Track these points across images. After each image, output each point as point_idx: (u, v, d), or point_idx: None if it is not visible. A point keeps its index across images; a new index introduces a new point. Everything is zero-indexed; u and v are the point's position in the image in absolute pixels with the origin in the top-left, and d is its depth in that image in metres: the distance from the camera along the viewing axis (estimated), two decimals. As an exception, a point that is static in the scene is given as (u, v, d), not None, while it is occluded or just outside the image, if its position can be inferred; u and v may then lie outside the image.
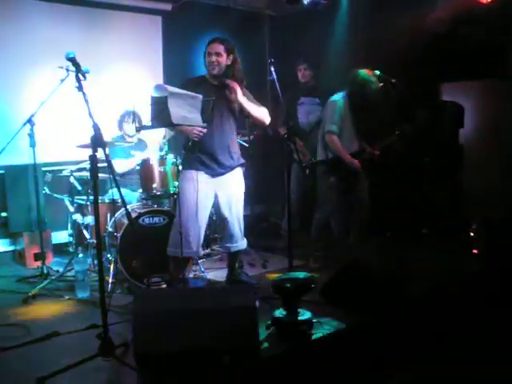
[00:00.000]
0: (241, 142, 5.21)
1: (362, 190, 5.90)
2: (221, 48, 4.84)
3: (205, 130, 4.74)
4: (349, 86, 5.81)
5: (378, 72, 5.74)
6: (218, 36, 5.02)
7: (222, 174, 4.96)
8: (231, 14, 8.07)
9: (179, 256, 4.80)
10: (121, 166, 5.98)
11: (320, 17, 7.32)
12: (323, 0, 7.15)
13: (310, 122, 6.54)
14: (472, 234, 6.01)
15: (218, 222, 5.34)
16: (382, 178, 6.63)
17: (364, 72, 5.70)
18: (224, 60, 4.85)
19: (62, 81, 5.14)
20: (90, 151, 3.48)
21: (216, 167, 4.92)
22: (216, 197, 4.99)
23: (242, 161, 5.12)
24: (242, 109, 4.96)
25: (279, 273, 5.45)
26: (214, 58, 4.83)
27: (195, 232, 4.86)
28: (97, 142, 3.44)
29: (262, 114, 5.03)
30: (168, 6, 7.89)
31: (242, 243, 5.16)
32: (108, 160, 3.45)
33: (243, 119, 5.33)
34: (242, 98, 4.87)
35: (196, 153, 4.93)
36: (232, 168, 5.01)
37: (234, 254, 5.21)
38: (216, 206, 5.07)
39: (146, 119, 4.64)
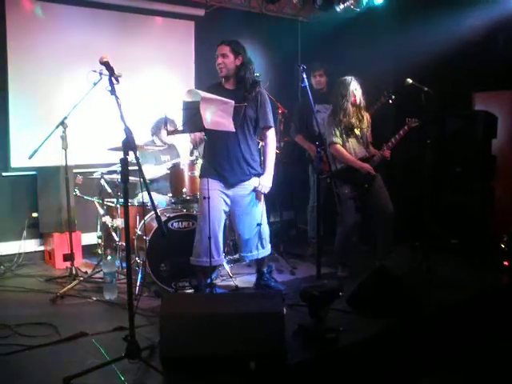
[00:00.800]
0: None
1: (382, 196, 5.79)
2: (227, 49, 4.85)
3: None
4: (332, 95, 5.90)
5: (409, 80, 5.70)
6: (226, 38, 5.01)
7: (236, 184, 4.94)
8: (263, 20, 8.08)
9: (202, 265, 4.85)
10: (150, 171, 6.00)
11: (352, 24, 7.29)
12: (356, 7, 7.12)
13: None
14: (503, 246, 5.93)
15: (233, 230, 5.31)
16: (410, 185, 6.57)
17: (346, 80, 5.71)
18: (231, 61, 4.84)
19: (95, 84, 5.20)
20: (120, 154, 3.49)
21: (229, 176, 4.90)
22: (229, 206, 4.98)
23: (259, 171, 5.06)
24: (257, 117, 4.95)
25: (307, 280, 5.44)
26: (220, 60, 4.86)
27: (217, 240, 4.86)
28: (128, 145, 3.46)
29: (273, 146, 5.05)
30: (201, 12, 7.93)
31: (260, 252, 5.10)
32: (138, 163, 3.46)
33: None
34: (268, 182, 4.96)
35: (210, 161, 4.94)
36: (246, 179, 4.97)
37: (260, 260, 5.19)
38: (230, 216, 5.05)
39: (178, 124, 4.65)
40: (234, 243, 5.74)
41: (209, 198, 4.77)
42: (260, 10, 8.12)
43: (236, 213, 4.99)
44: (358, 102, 5.67)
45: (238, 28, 7.77)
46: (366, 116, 5.84)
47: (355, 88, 5.67)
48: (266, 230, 5.10)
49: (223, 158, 4.88)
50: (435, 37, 6.29)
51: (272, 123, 5.02)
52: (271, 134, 5.01)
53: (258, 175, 5.01)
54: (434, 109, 5.62)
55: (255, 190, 4.88)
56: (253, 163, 4.98)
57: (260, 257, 5.11)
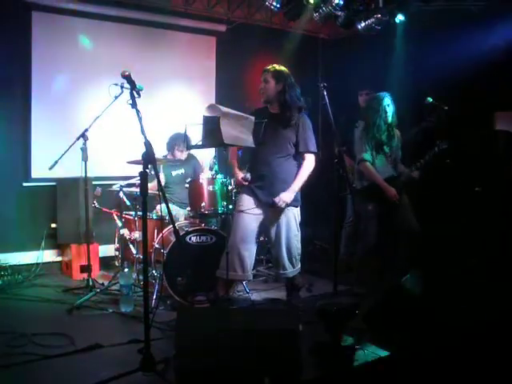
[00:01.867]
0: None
1: (406, 215, 5.74)
2: (268, 75, 4.92)
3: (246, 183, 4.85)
4: (365, 111, 5.86)
5: (430, 99, 5.68)
6: (271, 65, 5.04)
7: (270, 203, 4.92)
8: (284, 37, 8.11)
9: (228, 279, 4.80)
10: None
11: (373, 42, 7.29)
12: (377, 25, 7.13)
13: None
14: None
15: (267, 247, 5.31)
16: (431, 205, 6.52)
17: (379, 96, 5.68)
18: (272, 86, 4.90)
19: (116, 97, 5.22)
20: (140, 167, 3.51)
21: (263, 195, 4.92)
22: (263, 224, 4.98)
23: (299, 202, 5.08)
24: (297, 141, 4.97)
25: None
26: (261, 86, 4.94)
27: (243, 256, 4.86)
28: (148, 158, 3.48)
29: (309, 169, 5.03)
30: (222, 27, 7.99)
31: (291, 270, 5.09)
32: (158, 177, 3.48)
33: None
34: (288, 197, 4.90)
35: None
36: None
37: (291, 278, 5.17)
38: (265, 233, 5.06)
39: (197, 140, 4.67)
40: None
41: (239, 215, 4.87)
42: (281, 26, 8.16)
43: (269, 231, 5.01)
44: (389, 119, 5.63)
45: (259, 44, 7.83)
46: (397, 134, 5.80)
47: (388, 104, 5.64)
48: (298, 249, 5.10)
49: (259, 176, 4.92)
50: (456, 55, 6.27)
51: (313, 149, 5.04)
52: (310, 159, 5.03)
53: (296, 206, 5.04)
54: (454, 128, 5.60)
55: (273, 203, 4.86)
56: (288, 186, 4.97)
57: (290, 275, 5.11)
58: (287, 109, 4.92)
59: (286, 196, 4.87)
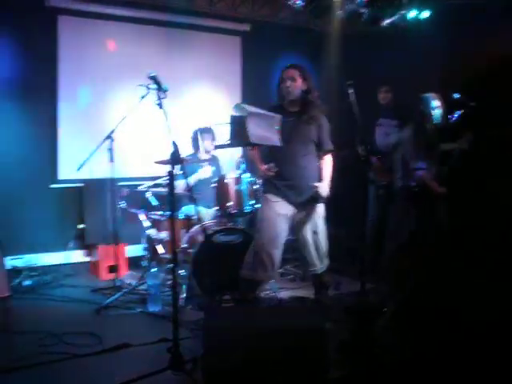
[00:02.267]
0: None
1: (440, 215, 5.70)
2: (296, 73, 4.84)
3: (272, 172, 4.79)
4: (413, 113, 5.75)
5: (456, 95, 5.62)
6: (293, 62, 5.02)
7: (297, 202, 4.92)
8: (309, 35, 8.10)
9: (254, 279, 4.80)
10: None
11: (398, 38, 7.24)
12: (402, 22, 7.08)
13: (388, 144, 6.46)
14: None
15: (295, 245, 5.28)
16: (461, 203, 6.44)
17: (428, 98, 5.60)
18: (299, 85, 4.83)
19: (142, 98, 5.25)
20: (166, 167, 3.53)
21: (290, 194, 4.89)
22: (290, 223, 4.97)
23: (324, 198, 5.04)
24: (319, 138, 4.96)
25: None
26: (288, 83, 4.82)
27: (271, 256, 4.84)
28: (175, 158, 3.49)
29: (331, 165, 5.03)
30: (247, 27, 8.00)
31: (320, 267, 5.06)
32: (186, 177, 3.50)
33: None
34: (326, 187, 4.89)
35: (271, 178, 4.96)
36: (310, 202, 4.94)
37: (319, 275, 5.16)
38: (293, 232, 5.05)
39: (222, 138, 4.68)
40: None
41: (265, 214, 4.84)
42: (306, 24, 8.14)
43: (297, 229, 4.99)
44: (438, 120, 5.57)
45: (283, 43, 7.82)
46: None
47: (437, 107, 5.57)
48: (325, 245, 5.08)
49: (286, 175, 4.89)
50: (483, 51, 6.20)
51: (332, 147, 5.04)
52: (330, 157, 5.04)
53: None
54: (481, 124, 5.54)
55: (315, 193, 4.84)
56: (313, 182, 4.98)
57: (319, 272, 5.09)
58: (310, 108, 4.90)
59: (324, 186, 4.86)
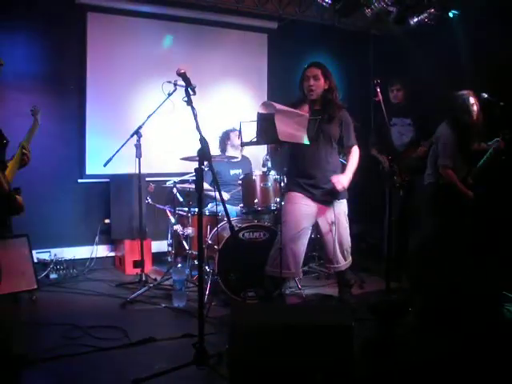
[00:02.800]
0: (342, 160, 5.15)
1: (468, 214, 5.63)
2: (318, 72, 4.84)
3: None
4: (450, 111, 5.66)
5: (484, 94, 5.57)
6: (316, 61, 5.02)
7: (319, 199, 4.91)
8: (336, 34, 8.09)
9: (277, 276, 4.80)
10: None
11: (426, 37, 7.19)
12: (430, 21, 7.04)
13: (403, 143, 6.42)
14: None
15: (318, 242, 5.28)
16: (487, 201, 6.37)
17: (464, 95, 5.54)
18: (322, 84, 4.84)
19: (170, 95, 5.30)
20: (193, 164, 3.54)
21: (315, 192, 4.90)
22: (317, 220, 4.97)
23: (346, 194, 5.05)
24: (342, 135, 4.95)
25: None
26: (311, 82, 4.83)
27: (295, 253, 4.84)
28: (203, 155, 3.50)
29: (356, 160, 5.01)
30: (274, 25, 8.00)
31: (343, 264, 5.05)
32: (213, 173, 3.51)
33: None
34: (346, 180, 4.86)
35: (293, 175, 4.98)
36: (334, 199, 4.93)
37: (343, 272, 5.15)
38: (317, 229, 5.05)
39: (249, 136, 4.68)
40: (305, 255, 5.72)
41: (289, 211, 4.85)
42: (333, 22, 8.12)
43: (320, 226, 4.99)
44: (475, 119, 5.50)
45: (310, 41, 7.82)
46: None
47: (473, 104, 5.49)
48: (348, 242, 5.08)
49: (307, 173, 4.90)
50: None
51: (356, 142, 5.05)
52: (357, 150, 5.04)
53: (340, 198, 4.99)
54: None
55: (332, 183, 4.83)
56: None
57: (343, 268, 5.09)
58: (332, 106, 4.90)
59: (344, 179, 4.84)
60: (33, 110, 5.23)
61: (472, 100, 5.46)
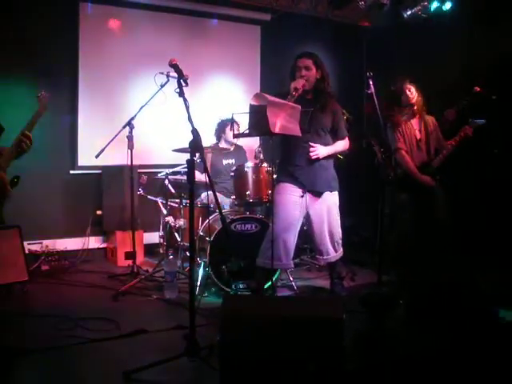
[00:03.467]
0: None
1: (439, 207, 5.63)
2: (310, 62, 4.86)
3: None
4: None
5: (477, 88, 5.58)
6: (307, 51, 5.03)
7: (311, 190, 4.94)
8: (329, 26, 8.08)
9: (269, 267, 4.79)
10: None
11: (418, 30, 7.19)
12: (423, 13, 7.03)
13: None
14: None
15: (308, 234, 5.28)
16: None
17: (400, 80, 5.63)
18: (313, 74, 4.86)
19: (162, 86, 5.29)
20: (185, 155, 3.53)
21: (304, 182, 4.91)
22: (308, 211, 4.98)
23: (334, 185, 5.07)
24: (333, 123, 4.96)
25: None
26: (303, 72, 4.84)
27: (286, 244, 4.85)
28: (195, 146, 3.49)
29: (344, 147, 5.07)
30: (267, 17, 7.97)
31: (333, 255, 5.08)
32: (205, 165, 3.51)
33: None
34: (324, 152, 4.90)
35: (285, 166, 4.98)
36: (324, 190, 4.97)
37: (333, 263, 5.17)
38: (307, 220, 5.06)
39: (244, 127, 4.68)
40: (296, 247, 5.73)
41: (280, 202, 4.86)
42: (326, 15, 8.11)
43: (311, 217, 5.00)
44: (413, 102, 5.59)
45: (303, 33, 7.81)
46: (430, 120, 5.73)
47: (408, 89, 5.59)
48: (339, 233, 5.09)
49: (299, 163, 4.92)
50: (507, 43, 6.13)
51: (347, 133, 5.13)
52: (347, 140, 5.13)
53: (332, 189, 5.03)
54: (502, 119, 5.49)
55: (310, 149, 4.86)
56: (328, 171, 5.02)
57: (333, 260, 5.10)
58: (324, 96, 4.90)
59: (322, 149, 4.87)
60: (39, 95, 5.13)
61: (407, 86, 5.60)
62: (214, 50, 7.68)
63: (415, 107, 5.64)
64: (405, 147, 5.60)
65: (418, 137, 5.67)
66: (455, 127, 5.65)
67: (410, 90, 5.60)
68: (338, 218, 5.07)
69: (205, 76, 7.52)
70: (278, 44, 7.99)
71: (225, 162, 6.55)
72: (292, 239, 4.90)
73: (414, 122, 5.68)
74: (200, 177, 5.18)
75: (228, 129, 6.44)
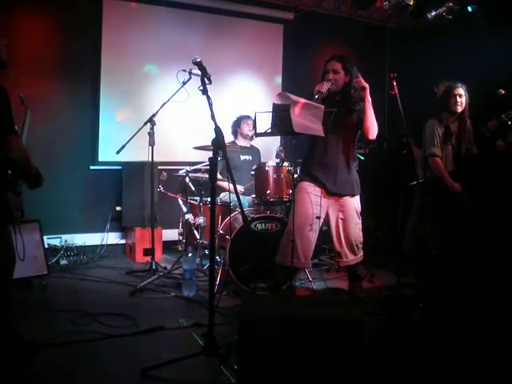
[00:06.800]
0: (357, 154, 5.13)
1: (465, 212, 5.57)
2: (338, 66, 4.83)
3: None
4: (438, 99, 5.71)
5: (502, 91, 5.52)
6: (337, 54, 4.99)
7: (337, 194, 4.91)
8: (352, 26, 8.04)
9: (287, 265, 4.78)
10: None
11: (443, 31, 7.13)
12: (448, 14, 6.97)
13: None
14: None
15: (328, 235, 5.26)
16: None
17: (456, 84, 5.54)
18: (342, 77, 4.83)
19: (184, 83, 5.28)
20: (205, 153, 3.53)
21: (329, 184, 4.88)
22: (328, 213, 4.96)
23: (359, 190, 5.03)
24: (358, 121, 4.91)
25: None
26: (331, 76, 4.82)
27: (304, 243, 4.83)
28: (218, 144, 3.48)
29: (375, 125, 4.94)
30: (290, 15, 7.94)
31: (352, 258, 5.04)
32: (228, 163, 3.49)
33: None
34: (369, 97, 4.79)
35: (307, 166, 4.96)
36: (344, 193, 4.93)
37: (351, 266, 5.14)
38: (327, 221, 5.03)
39: (263, 126, 4.65)
40: (315, 247, 5.71)
41: (300, 201, 4.82)
42: (349, 15, 8.08)
43: (330, 219, 4.98)
44: (459, 108, 5.52)
45: (326, 33, 7.79)
46: (468, 125, 5.67)
47: (460, 94, 5.51)
48: (360, 237, 5.06)
49: (321, 164, 4.90)
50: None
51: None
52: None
53: (353, 193, 4.98)
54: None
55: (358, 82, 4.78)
56: (349, 174, 4.96)
57: (352, 263, 5.07)
58: (350, 99, 4.87)
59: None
60: (21, 96, 4.58)
61: (458, 90, 5.50)
62: (237, 48, 7.67)
63: (460, 113, 5.58)
64: (440, 154, 5.53)
65: (454, 142, 5.60)
66: (495, 137, 5.62)
67: (460, 96, 5.52)
68: (359, 221, 5.03)
69: (227, 74, 7.50)
70: (300, 43, 7.96)
71: (242, 157, 6.56)
72: (310, 238, 4.86)
73: (454, 127, 5.61)
74: (219, 175, 5.17)
75: (244, 123, 6.44)
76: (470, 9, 6.81)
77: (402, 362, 3.83)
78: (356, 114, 4.88)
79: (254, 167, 5.65)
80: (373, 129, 4.84)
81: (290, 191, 5.37)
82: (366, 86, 4.73)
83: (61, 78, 6.58)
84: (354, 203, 4.99)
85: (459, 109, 5.50)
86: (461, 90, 5.49)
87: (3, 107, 3.22)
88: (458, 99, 5.48)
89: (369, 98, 4.75)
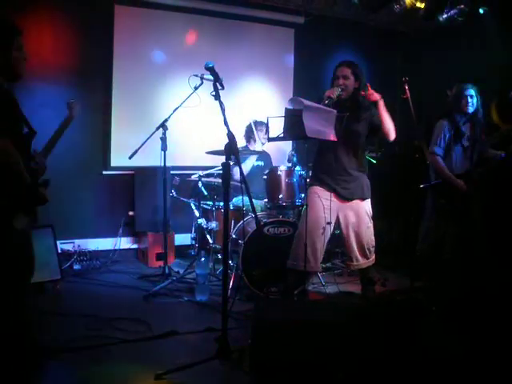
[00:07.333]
0: (369, 158, 5.12)
1: (474, 217, 5.53)
2: (348, 71, 4.83)
3: None
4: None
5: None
6: (346, 59, 5.00)
7: (347, 198, 4.91)
8: (363, 29, 8.03)
9: (298, 269, 4.78)
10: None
11: (455, 34, 7.10)
12: (460, 17, 6.94)
13: None
14: None
15: (340, 239, 5.26)
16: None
17: (466, 86, 5.50)
18: (351, 83, 4.82)
19: (196, 88, 5.28)
20: (218, 158, 3.53)
21: (339, 188, 4.89)
22: (338, 216, 4.96)
23: (369, 193, 5.03)
24: (372, 126, 4.90)
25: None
26: (341, 81, 4.82)
27: (316, 247, 4.83)
28: (231, 149, 3.49)
29: (392, 127, 4.93)
30: (301, 19, 7.94)
31: (363, 262, 5.03)
32: (240, 168, 3.50)
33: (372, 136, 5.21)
34: (381, 102, 4.81)
35: (318, 170, 4.97)
36: (354, 197, 4.93)
37: (364, 270, 5.13)
38: (338, 226, 5.03)
39: (275, 131, 4.66)
40: (327, 251, 5.70)
41: (311, 205, 4.82)
42: (360, 18, 8.06)
43: (341, 223, 4.98)
44: (470, 109, 5.48)
45: (337, 37, 7.79)
46: (482, 127, 5.60)
47: (471, 95, 5.48)
48: (371, 241, 5.06)
49: (331, 169, 4.90)
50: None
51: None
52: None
53: (363, 197, 4.98)
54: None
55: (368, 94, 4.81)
56: (359, 179, 4.96)
57: (363, 267, 5.07)
58: (359, 105, 4.88)
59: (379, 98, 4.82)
60: (69, 103, 4.66)
61: (469, 92, 5.47)
62: (248, 52, 7.67)
63: (473, 114, 5.55)
64: (442, 153, 5.51)
65: (466, 144, 5.57)
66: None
67: (471, 97, 5.50)
68: (371, 225, 5.03)
69: (238, 79, 7.50)
70: (311, 47, 7.96)
71: (254, 163, 6.53)
72: (320, 242, 4.87)
73: (466, 128, 5.58)
74: (234, 179, 5.17)
75: (259, 130, 6.44)
76: (481, 11, 6.79)
77: (415, 367, 3.81)
78: (368, 120, 4.88)
79: (266, 171, 5.65)
80: (391, 131, 4.89)
81: (303, 195, 5.37)
82: (379, 98, 4.74)
83: (73, 84, 6.60)
84: (365, 206, 4.99)
85: (470, 109, 5.48)
86: (472, 91, 5.47)
87: None
88: (469, 100, 5.46)
89: (383, 108, 4.77)
